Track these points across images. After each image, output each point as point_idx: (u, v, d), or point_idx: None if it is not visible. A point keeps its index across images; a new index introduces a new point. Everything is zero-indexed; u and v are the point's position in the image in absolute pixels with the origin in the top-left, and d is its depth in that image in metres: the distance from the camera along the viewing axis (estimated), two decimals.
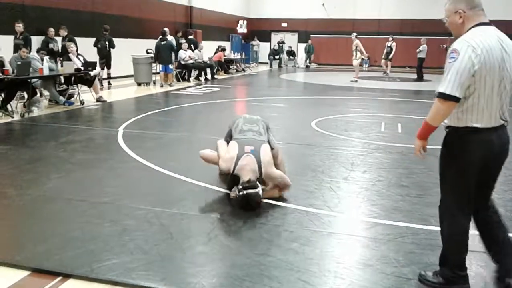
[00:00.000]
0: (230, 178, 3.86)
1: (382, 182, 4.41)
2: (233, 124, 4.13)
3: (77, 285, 2.50)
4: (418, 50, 17.18)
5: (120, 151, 5.42)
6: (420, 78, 17.19)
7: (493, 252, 2.44)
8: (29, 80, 7.89)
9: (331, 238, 3.14)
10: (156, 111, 8.55)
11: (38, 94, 8.69)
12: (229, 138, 4.05)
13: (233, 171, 3.64)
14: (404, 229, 3.27)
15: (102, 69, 12.38)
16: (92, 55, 11.25)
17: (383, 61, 19.11)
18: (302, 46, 25.18)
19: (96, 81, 9.54)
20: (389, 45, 18.69)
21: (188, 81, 14.49)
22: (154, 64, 13.19)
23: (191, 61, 14.52)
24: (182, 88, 12.60)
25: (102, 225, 3.23)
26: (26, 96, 8.19)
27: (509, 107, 2.33)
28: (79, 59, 9.40)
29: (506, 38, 2.24)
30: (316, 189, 4.14)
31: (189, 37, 16.45)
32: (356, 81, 15.49)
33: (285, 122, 7.95)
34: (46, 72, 8.25)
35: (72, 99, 9.14)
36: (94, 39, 12.43)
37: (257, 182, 3.62)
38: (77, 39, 11.17)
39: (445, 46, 22.56)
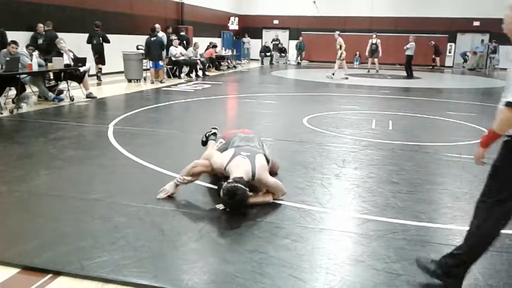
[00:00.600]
0: (220, 181, 3.62)
1: (373, 178, 4.43)
2: (229, 142, 4.04)
3: (68, 283, 2.48)
4: (405, 47, 17.29)
5: (110, 147, 5.38)
6: (409, 76, 17.29)
7: None
8: (18, 76, 7.80)
9: (323, 234, 3.15)
10: (147, 107, 8.51)
11: (28, 90, 8.60)
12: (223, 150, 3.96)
13: (226, 167, 3.60)
14: (395, 225, 3.30)
15: (97, 64, 12.39)
16: (83, 51, 11.15)
17: (369, 59, 19.19)
18: (293, 43, 25.20)
19: (86, 77, 9.46)
20: (374, 42, 18.76)
21: (179, 77, 14.43)
22: (145, 61, 13.11)
23: (182, 58, 14.46)
24: (173, 85, 12.54)
25: (93, 222, 3.20)
26: (15, 92, 8.10)
27: None
28: (68, 54, 9.33)
29: None
30: (307, 185, 4.14)
31: (181, 33, 16.37)
32: (347, 78, 15.53)
33: (276, 119, 7.96)
34: (35, 68, 8.17)
35: (62, 95, 9.06)
36: (85, 35, 12.34)
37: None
38: (68, 35, 11.07)
39: (433, 42, 22.74)
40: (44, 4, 11.61)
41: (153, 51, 12.64)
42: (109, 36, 12.71)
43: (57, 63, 8.70)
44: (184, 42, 15.88)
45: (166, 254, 2.77)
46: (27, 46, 8.84)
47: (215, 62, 17.98)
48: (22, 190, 3.85)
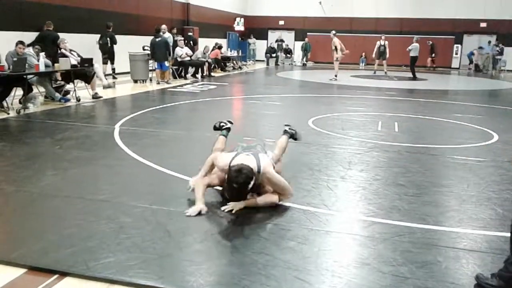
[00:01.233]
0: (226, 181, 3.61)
1: (379, 181, 4.41)
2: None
3: (74, 283, 2.49)
4: (408, 49, 17.25)
5: (116, 148, 5.40)
6: (413, 77, 17.25)
7: None
8: (25, 77, 7.85)
9: (329, 236, 3.14)
10: (153, 108, 8.53)
11: (35, 90, 8.64)
12: None
13: (230, 165, 3.52)
14: (401, 228, 3.28)
15: (104, 63, 12.77)
16: (89, 52, 11.20)
17: (377, 61, 19.12)
18: (299, 44, 25.17)
19: (95, 78, 9.50)
20: (382, 44, 18.71)
21: (185, 78, 14.45)
22: (150, 61, 13.15)
23: (187, 58, 14.48)
24: (178, 86, 12.57)
25: (99, 222, 3.21)
26: (22, 92, 8.14)
27: None
28: (72, 55, 9.38)
29: None
30: (313, 187, 4.13)
31: (189, 34, 16.37)
32: (335, 79, 15.40)
33: (282, 120, 7.91)
34: (42, 68, 8.21)
35: (68, 95, 9.10)
36: (91, 35, 12.55)
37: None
38: (75, 35, 11.16)
39: (430, 42, 22.58)
40: (50, 4, 11.67)
41: (158, 51, 12.66)
42: (115, 36, 12.86)
43: (64, 64, 8.75)
44: (191, 42, 15.89)
45: (172, 255, 2.77)
46: (32, 46, 8.90)
47: (221, 63, 18.00)
48: (28, 190, 3.87)
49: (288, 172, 4.53)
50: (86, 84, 9.57)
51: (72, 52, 9.56)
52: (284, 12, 26.08)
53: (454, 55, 24.41)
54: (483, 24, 23.34)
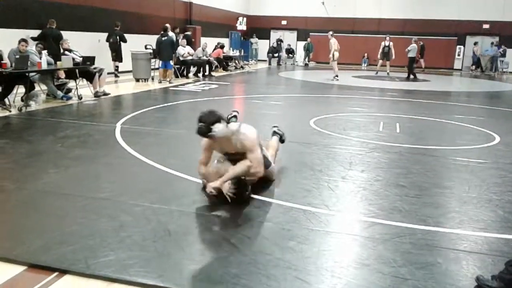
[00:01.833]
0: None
1: (380, 181, 4.41)
2: None
3: (74, 281, 2.49)
4: (406, 50, 17.22)
5: (118, 147, 5.40)
6: (414, 78, 17.25)
7: None
8: (27, 74, 7.86)
9: (329, 237, 3.14)
10: (155, 107, 8.53)
11: (37, 88, 8.66)
12: None
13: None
14: (401, 229, 3.28)
15: (114, 61, 13.33)
16: (91, 50, 11.22)
17: (380, 61, 19.08)
18: (301, 44, 25.16)
19: (96, 76, 9.51)
20: (386, 44, 18.68)
21: (187, 77, 14.46)
22: (152, 60, 13.17)
23: (189, 58, 14.49)
24: (180, 85, 12.57)
25: (100, 221, 3.21)
26: (24, 90, 8.15)
27: None
28: (74, 54, 9.39)
29: None
30: (314, 187, 4.13)
31: (186, 33, 16.40)
32: (337, 79, 15.43)
33: (283, 120, 7.93)
34: (44, 66, 8.21)
35: (70, 93, 9.11)
36: (94, 34, 12.71)
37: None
38: (77, 33, 11.18)
39: (421, 43, 22.46)
40: (52, 2, 11.68)
41: (164, 50, 12.67)
42: (124, 35, 13.22)
43: (66, 62, 8.75)
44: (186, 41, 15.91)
45: (172, 254, 2.78)
46: (36, 43, 8.91)
47: (223, 62, 18.00)
48: (30, 188, 3.87)
49: (289, 172, 4.55)
50: (89, 82, 9.58)
51: (74, 52, 9.57)
52: (286, 12, 26.06)
53: (456, 56, 24.36)
54: (485, 26, 23.30)
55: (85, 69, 9.21)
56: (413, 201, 3.89)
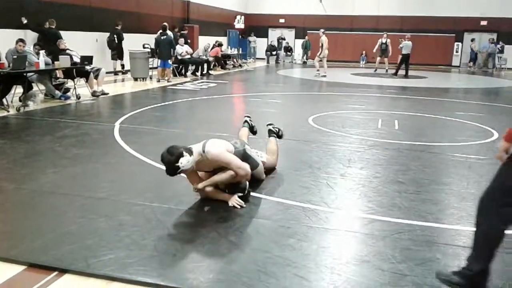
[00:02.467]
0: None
1: (379, 178, 4.41)
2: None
3: (73, 280, 2.49)
4: (399, 46, 17.19)
5: (116, 146, 5.40)
6: (405, 74, 17.20)
7: None
8: (25, 74, 7.84)
9: (328, 234, 3.14)
10: (153, 106, 8.53)
11: (35, 88, 8.64)
12: None
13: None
14: (401, 225, 3.28)
15: (113, 59, 13.71)
16: (90, 50, 11.22)
17: (378, 58, 19.05)
18: (299, 42, 25.14)
19: (91, 75, 9.49)
20: (384, 41, 18.65)
21: (185, 76, 14.44)
22: (150, 59, 13.16)
23: (188, 56, 14.47)
24: (178, 83, 12.56)
25: (98, 220, 3.21)
26: (22, 90, 8.14)
27: None
28: (70, 52, 9.37)
29: None
30: (313, 185, 4.13)
31: (182, 32, 16.38)
32: (320, 75, 15.59)
33: (282, 118, 7.93)
34: (42, 66, 8.20)
35: (68, 93, 9.10)
36: (92, 33, 12.87)
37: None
38: (76, 33, 11.19)
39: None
40: (50, 2, 11.66)
41: (163, 49, 12.66)
42: (122, 34, 13.44)
43: (64, 62, 8.74)
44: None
45: (171, 253, 2.78)
46: (34, 44, 8.90)
47: (221, 61, 17.98)
48: (28, 188, 3.87)
49: (288, 169, 4.54)
50: (86, 82, 9.56)
51: (71, 51, 9.55)
52: (284, 10, 26.03)
53: (454, 53, 24.36)
54: (483, 22, 23.29)
55: (82, 69, 9.20)
56: (412, 197, 3.89)
